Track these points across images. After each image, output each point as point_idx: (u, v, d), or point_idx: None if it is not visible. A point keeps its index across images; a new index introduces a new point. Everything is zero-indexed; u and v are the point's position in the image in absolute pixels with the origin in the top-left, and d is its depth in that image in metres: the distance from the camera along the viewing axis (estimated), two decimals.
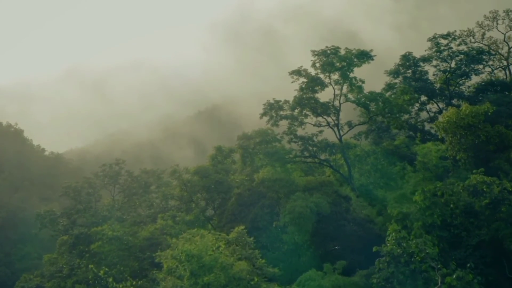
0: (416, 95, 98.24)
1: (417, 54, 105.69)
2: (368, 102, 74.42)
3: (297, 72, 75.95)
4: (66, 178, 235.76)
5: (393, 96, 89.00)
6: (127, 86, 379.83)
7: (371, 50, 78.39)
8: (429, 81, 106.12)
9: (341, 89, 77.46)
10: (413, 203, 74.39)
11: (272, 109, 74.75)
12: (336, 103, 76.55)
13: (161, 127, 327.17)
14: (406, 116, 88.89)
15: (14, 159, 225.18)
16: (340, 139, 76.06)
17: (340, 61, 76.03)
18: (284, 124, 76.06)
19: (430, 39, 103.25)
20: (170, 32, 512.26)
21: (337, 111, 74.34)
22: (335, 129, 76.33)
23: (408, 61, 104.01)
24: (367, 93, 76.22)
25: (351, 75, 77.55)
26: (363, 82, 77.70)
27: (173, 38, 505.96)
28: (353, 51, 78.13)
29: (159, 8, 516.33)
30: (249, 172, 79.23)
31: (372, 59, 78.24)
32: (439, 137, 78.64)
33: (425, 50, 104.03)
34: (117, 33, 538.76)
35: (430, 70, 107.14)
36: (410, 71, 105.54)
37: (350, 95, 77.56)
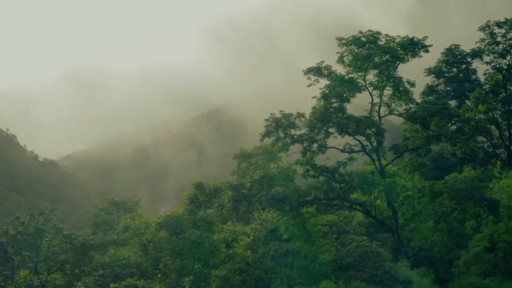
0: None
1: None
2: (427, 116, 44.43)
3: (317, 70, 46.27)
4: (59, 186, 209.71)
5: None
6: (128, 88, 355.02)
7: (425, 38, 48.80)
8: (477, 82, 76.60)
9: (381, 96, 47.92)
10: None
11: (279, 127, 45.20)
12: (375, 116, 47.07)
13: (163, 129, 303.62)
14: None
15: (2, 167, 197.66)
16: (381, 172, 46.49)
17: (381, 53, 46.51)
18: (296, 148, 46.72)
19: (482, 28, 73.60)
20: (171, 33, 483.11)
21: (380, 129, 44.50)
22: (374, 155, 46.81)
23: (454, 56, 74.36)
24: (422, 102, 46.67)
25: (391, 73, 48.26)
26: (413, 85, 48.31)
27: (174, 39, 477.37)
28: (396, 39, 48.61)
29: (159, 9, 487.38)
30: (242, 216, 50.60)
31: (427, 51, 48.80)
32: None
33: (476, 43, 74.60)
34: (117, 34, 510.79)
35: (480, 68, 77.82)
36: (454, 69, 76.28)
37: (393, 105, 47.98)
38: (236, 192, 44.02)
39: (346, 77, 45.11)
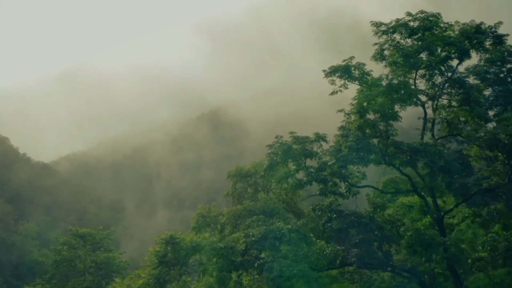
0: None
1: None
2: None
3: (344, 71, 29.40)
4: (51, 191, 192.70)
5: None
6: (127, 88, 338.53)
7: (499, 23, 32.04)
8: None
9: (436, 109, 31.04)
10: None
11: (289, 157, 28.33)
12: (430, 140, 30.26)
13: (162, 130, 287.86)
14: None
15: None
16: (439, 222, 29.66)
17: (443, 46, 29.64)
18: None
19: None
20: (169, 33, 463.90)
21: (450, 164, 27.60)
22: (428, 199, 29.93)
23: (501, 54, 57.35)
24: (499, 120, 29.78)
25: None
26: (480, 92, 31.62)
27: (171, 39, 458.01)
28: (454, 27, 31.77)
29: (157, 9, 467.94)
30: None
31: (501, 42, 32.46)
32: None
33: None
34: (115, 34, 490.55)
35: None
36: (497, 69, 59.34)
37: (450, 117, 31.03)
38: (224, 259, 27.16)
39: (395, 81, 28.02)
